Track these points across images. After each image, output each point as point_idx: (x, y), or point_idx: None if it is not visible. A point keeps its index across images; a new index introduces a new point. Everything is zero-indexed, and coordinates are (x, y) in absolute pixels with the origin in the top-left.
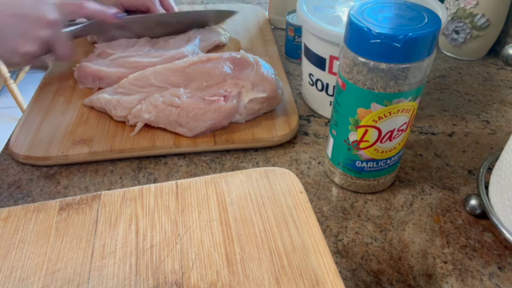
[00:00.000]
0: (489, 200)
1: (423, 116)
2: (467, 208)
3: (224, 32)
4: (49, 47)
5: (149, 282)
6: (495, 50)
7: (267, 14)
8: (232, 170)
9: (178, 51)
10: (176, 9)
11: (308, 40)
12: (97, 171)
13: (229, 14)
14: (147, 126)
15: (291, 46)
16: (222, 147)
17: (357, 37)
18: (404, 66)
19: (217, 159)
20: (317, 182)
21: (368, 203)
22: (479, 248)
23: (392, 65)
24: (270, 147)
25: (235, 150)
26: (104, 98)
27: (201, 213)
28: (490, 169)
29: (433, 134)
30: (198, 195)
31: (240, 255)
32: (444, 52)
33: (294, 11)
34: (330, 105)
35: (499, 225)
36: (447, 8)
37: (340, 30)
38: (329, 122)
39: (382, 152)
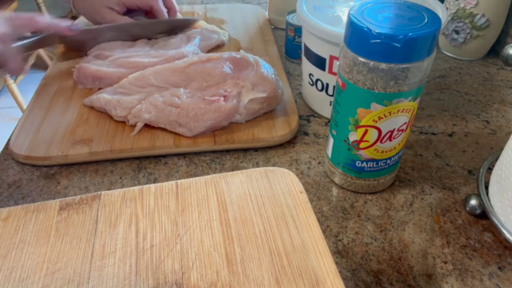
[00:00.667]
0: (489, 200)
1: (423, 116)
2: (467, 208)
3: (223, 31)
4: None
5: (149, 282)
6: (495, 50)
7: (267, 14)
8: (232, 170)
9: (178, 51)
10: (177, 7)
11: (308, 40)
12: (97, 171)
13: (193, 21)
14: (147, 126)
15: (291, 46)
16: (222, 147)
17: (357, 37)
18: (404, 66)
19: (217, 159)
20: (317, 182)
21: (368, 203)
22: (479, 248)
23: (392, 65)
24: (270, 147)
25: (235, 150)
26: (104, 98)
27: (201, 213)
28: (490, 169)
29: (433, 134)
30: (198, 195)
31: (240, 255)
32: (444, 52)
33: (294, 11)
34: (330, 105)
35: (499, 225)
36: (447, 8)
37: (340, 30)
38: (329, 122)
39: (382, 152)
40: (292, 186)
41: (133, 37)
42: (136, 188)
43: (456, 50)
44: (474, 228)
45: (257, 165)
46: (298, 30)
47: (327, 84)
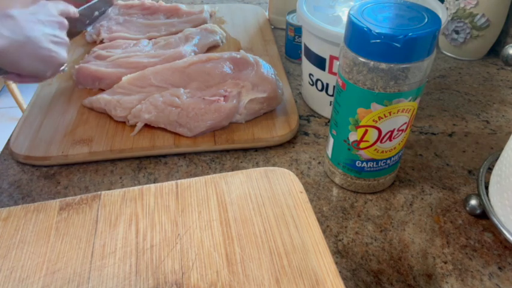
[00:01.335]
0: (489, 200)
1: (423, 116)
2: (467, 208)
3: (221, 31)
4: None
5: (149, 282)
6: (495, 50)
7: (267, 14)
8: (232, 170)
9: (176, 50)
10: None
11: (308, 40)
12: (97, 171)
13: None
14: (147, 126)
15: (291, 46)
16: (222, 147)
17: (357, 37)
18: (404, 66)
19: (217, 159)
20: (317, 182)
21: (368, 203)
22: (479, 248)
23: (392, 65)
24: (270, 147)
25: (235, 150)
26: (104, 98)
27: (201, 213)
28: (490, 169)
29: (433, 134)
30: (198, 195)
31: (240, 255)
32: (444, 52)
33: (294, 11)
34: (330, 105)
35: (499, 225)
36: (447, 8)
37: (340, 30)
38: (329, 122)
39: (382, 152)
40: (292, 186)
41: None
42: (136, 188)
43: (456, 50)
44: (474, 228)
45: (257, 165)
46: (298, 30)
47: (327, 84)
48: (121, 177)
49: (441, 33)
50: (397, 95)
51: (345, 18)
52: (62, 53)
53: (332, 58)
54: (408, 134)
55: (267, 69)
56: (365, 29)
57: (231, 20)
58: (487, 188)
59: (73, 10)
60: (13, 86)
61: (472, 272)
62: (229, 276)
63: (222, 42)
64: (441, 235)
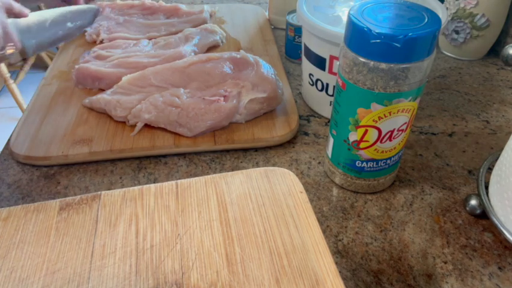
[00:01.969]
0: (489, 200)
1: (423, 116)
2: (467, 208)
3: (221, 31)
4: None
5: (149, 282)
6: (495, 50)
7: (267, 14)
8: (232, 170)
9: (176, 50)
10: None
11: (308, 40)
12: (97, 171)
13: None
14: (147, 126)
15: (291, 46)
16: (222, 147)
17: (357, 37)
18: (404, 66)
19: (217, 159)
20: (317, 182)
21: (368, 203)
22: (479, 248)
23: (392, 65)
24: (270, 147)
25: (235, 150)
26: (104, 98)
27: (201, 213)
28: (490, 169)
29: (433, 134)
30: (198, 195)
31: (240, 255)
32: (444, 52)
33: (294, 11)
34: (330, 105)
35: (499, 225)
36: (447, 8)
37: (340, 30)
38: (329, 122)
39: (382, 152)
40: (292, 186)
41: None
42: (136, 188)
43: (456, 50)
44: (474, 228)
45: (257, 165)
46: (298, 30)
47: (327, 84)
48: (121, 177)
49: (441, 33)
50: (397, 95)
51: (345, 18)
52: None
53: (332, 58)
54: (408, 134)
55: (267, 69)
56: (365, 29)
57: (231, 20)
58: (487, 188)
59: (18, 6)
60: (13, 86)
61: (472, 272)
62: (229, 276)
63: (222, 42)
64: (441, 235)
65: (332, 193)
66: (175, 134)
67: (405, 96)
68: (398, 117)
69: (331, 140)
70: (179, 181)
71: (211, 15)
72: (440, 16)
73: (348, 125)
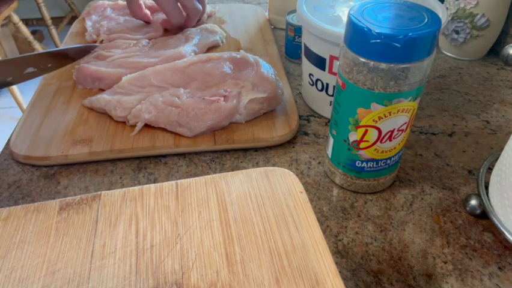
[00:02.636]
0: (489, 200)
1: (423, 116)
2: (467, 208)
3: (221, 31)
4: None
5: (149, 282)
6: (495, 50)
7: (267, 14)
8: (232, 170)
9: (176, 50)
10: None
11: (308, 40)
12: (97, 171)
13: (90, 48)
14: (147, 126)
15: (291, 46)
16: (222, 147)
17: (357, 37)
18: (404, 66)
19: (217, 159)
20: (317, 182)
21: (368, 203)
22: (479, 248)
23: (392, 65)
24: (270, 147)
25: (235, 150)
26: (104, 98)
27: (201, 213)
28: (490, 169)
29: (433, 134)
30: (198, 195)
31: (240, 255)
32: (444, 52)
33: (294, 11)
34: (330, 105)
35: (499, 225)
36: (447, 8)
37: (340, 30)
38: (329, 122)
39: (382, 152)
40: (292, 186)
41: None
42: (136, 188)
43: (456, 50)
44: (474, 228)
45: (257, 165)
46: (298, 30)
47: (327, 84)
48: (121, 177)
49: (441, 33)
50: (397, 95)
51: (345, 18)
52: None
53: (332, 58)
54: (408, 134)
55: (267, 69)
56: (365, 29)
57: (231, 20)
58: (487, 188)
59: None
60: (13, 86)
61: (472, 272)
62: (229, 276)
63: (222, 42)
64: (441, 235)
65: (332, 193)
66: (175, 134)
67: (405, 96)
68: (398, 117)
69: (331, 140)
70: (179, 181)
71: (209, 16)
72: (440, 16)
73: (348, 125)
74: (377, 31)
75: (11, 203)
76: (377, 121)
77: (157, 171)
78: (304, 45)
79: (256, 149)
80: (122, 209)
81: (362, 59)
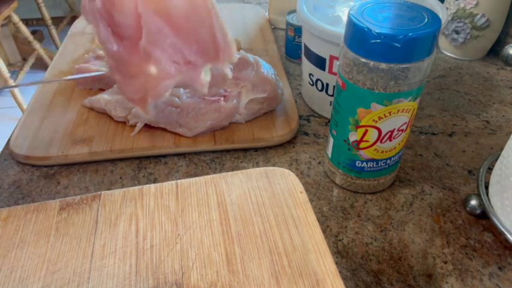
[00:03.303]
0: (489, 200)
1: (423, 116)
2: (467, 208)
3: None
4: None
5: (149, 282)
6: (495, 50)
7: (267, 14)
8: (232, 170)
9: None
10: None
11: (308, 40)
12: (97, 171)
13: None
14: (147, 126)
15: (291, 46)
16: (222, 147)
17: (357, 37)
18: (404, 66)
19: (217, 159)
20: (317, 182)
21: (368, 203)
22: (479, 248)
23: (392, 65)
24: (270, 147)
25: (235, 150)
26: (104, 98)
27: (201, 213)
28: (490, 169)
29: (433, 134)
30: (198, 195)
31: (240, 255)
32: (444, 52)
33: (294, 11)
34: (330, 105)
35: (499, 225)
36: (447, 8)
37: (340, 30)
38: (329, 122)
39: (382, 152)
40: (292, 186)
41: None
42: (136, 188)
43: (456, 50)
44: (474, 228)
45: (257, 165)
46: (298, 30)
47: (327, 84)
48: (121, 177)
49: (441, 33)
50: (397, 95)
51: (345, 18)
52: None
53: (332, 58)
54: (408, 134)
55: (267, 69)
56: (365, 29)
57: (231, 20)
58: (487, 188)
59: None
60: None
61: (472, 272)
62: (229, 276)
63: None
64: (441, 235)
65: (332, 193)
66: (175, 134)
67: (405, 96)
68: (398, 117)
69: (331, 140)
70: (179, 181)
71: None
72: (440, 16)
73: (348, 125)
74: (377, 31)
75: (11, 203)
76: (377, 121)
77: (157, 171)
78: (304, 45)
79: (256, 149)
80: (122, 209)
81: (362, 59)
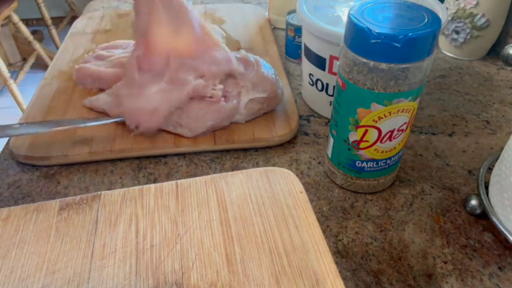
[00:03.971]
0: (489, 200)
1: (423, 116)
2: (467, 208)
3: (221, 31)
4: None
5: (149, 282)
6: (495, 50)
7: (267, 14)
8: (232, 170)
9: None
10: None
11: (308, 40)
12: (97, 171)
13: None
14: None
15: (291, 46)
16: (222, 147)
17: (357, 37)
18: (404, 66)
19: (217, 159)
20: (317, 182)
21: (368, 203)
22: (479, 248)
23: (392, 65)
24: (270, 147)
25: (235, 150)
26: (104, 98)
27: (201, 213)
28: (490, 169)
29: (433, 134)
30: (198, 195)
31: (240, 255)
32: (444, 52)
33: (294, 11)
34: (330, 105)
35: (499, 225)
36: (447, 8)
37: (340, 30)
38: (329, 122)
39: (382, 152)
40: (292, 186)
41: None
42: (136, 188)
43: (456, 50)
44: (474, 228)
45: (257, 165)
46: (298, 30)
47: (327, 84)
48: (121, 177)
49: (441, 33)
50: (397, 95)
51: (345, 18)
52: None
53: (332, 58)
54: (408, 134)
55: (267, 69)
56: (365, 29)
57: (231, 20)
58: (487, 188)
59: None
60: (13, 86)
61: (472, 272)
62: (229, 276)
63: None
64: (441, 235)
65: (332, 193)
66: (175, 134)
67: (405, 96)
68: (398, 117)
69: (331, 140)
70: (179, 181)
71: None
72: (440, 16)
73: (348, 125)
74: (377, 31)
75: (11, 203)
76: (377, 121)
77: (157, 171)
78: (304, 45)
79: (256, 149)
80: (122, 209)
81: (362, 59)
